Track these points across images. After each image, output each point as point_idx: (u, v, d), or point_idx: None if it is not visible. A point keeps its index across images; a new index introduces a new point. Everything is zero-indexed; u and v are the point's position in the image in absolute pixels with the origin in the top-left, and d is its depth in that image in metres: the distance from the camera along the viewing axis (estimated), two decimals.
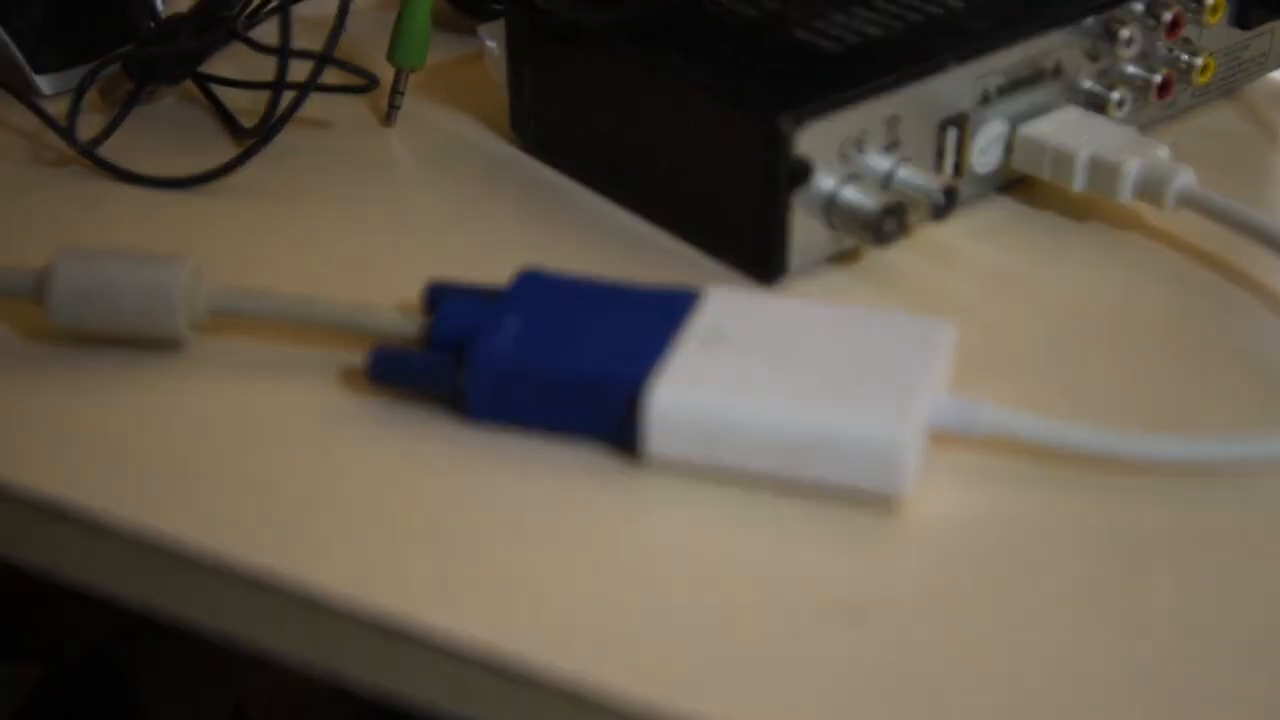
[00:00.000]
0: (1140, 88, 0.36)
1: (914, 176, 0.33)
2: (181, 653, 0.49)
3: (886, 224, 0.32)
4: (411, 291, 0.31)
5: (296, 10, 0.38)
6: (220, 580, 0.26)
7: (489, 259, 0.33)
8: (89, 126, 0.38)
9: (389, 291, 0.32)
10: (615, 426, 0.28)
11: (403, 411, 0.29)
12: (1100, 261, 0.34)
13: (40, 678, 0.49)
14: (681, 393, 0.27)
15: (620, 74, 0.34)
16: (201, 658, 0.46)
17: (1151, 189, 0.33)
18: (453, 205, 0.36)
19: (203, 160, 0.37)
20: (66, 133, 0.37)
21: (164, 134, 0.39)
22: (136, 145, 0.38)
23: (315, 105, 0.38)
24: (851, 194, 0.32)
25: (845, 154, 0.32)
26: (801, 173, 0.31)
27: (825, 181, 0.32)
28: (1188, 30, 0.37)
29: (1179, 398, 0.30)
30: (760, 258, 0.32)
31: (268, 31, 0.39)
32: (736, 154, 0.32)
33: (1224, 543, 0.26)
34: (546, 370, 0.28)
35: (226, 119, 0.39)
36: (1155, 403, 0.30)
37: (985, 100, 0.34)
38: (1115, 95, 0.36)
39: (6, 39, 0.40)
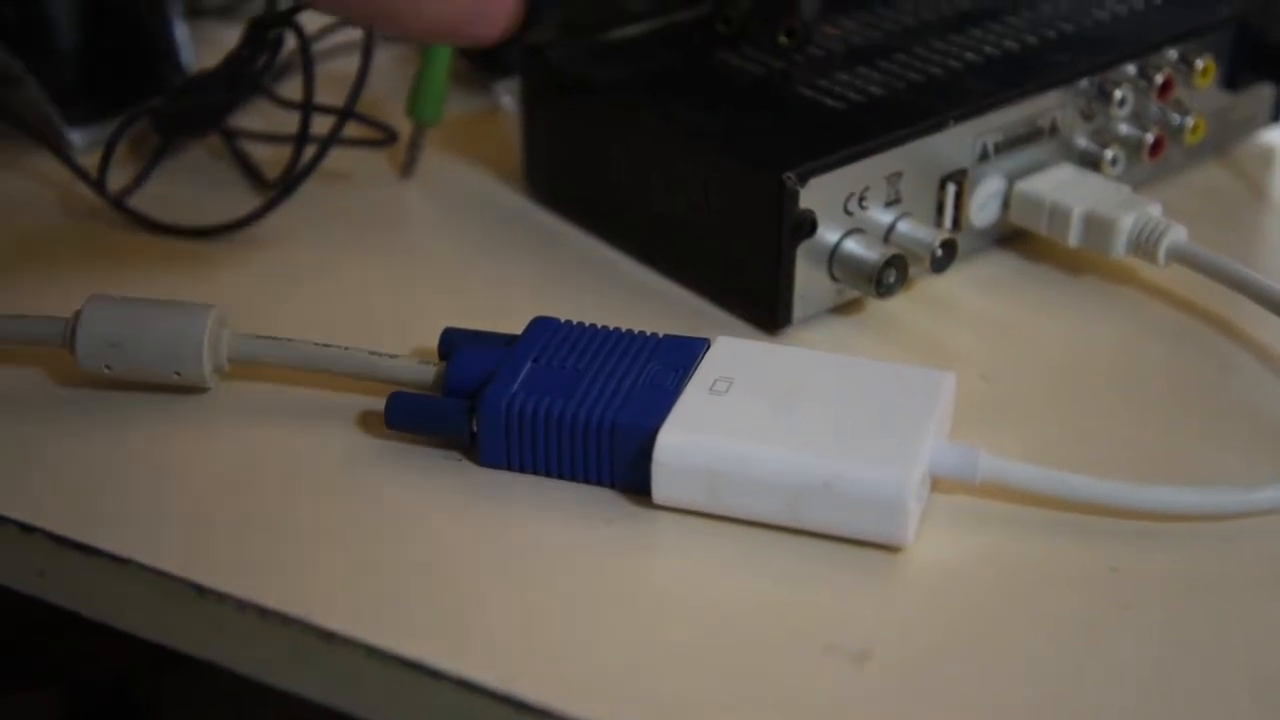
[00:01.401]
0: (1133, 147, 0.38)
1: (915, 230, 0.34)
2: (201, 685, 0.49)
3: (887, 276, 0.33)
4: (427, 337, 0.32)
5: (319, 66, 0.39)
6: (240, 617, 0.27)
7: (503, 307, 0.34)
8: (118, 178, 0.39)
9: (405, 337, 0.33)
10: (624, 472, 0.29)
11: (419, 456, 0.30)
12: (1095, 314, 0.35)
13: (62, 708, 0.49)
14: (687, 440, 0.28)
15: (631, 129, 0.36)
16: (221, 690, 0.46)
17: (1144, 245, 0.34)
18: (468, 255, 0.37)
19: (228, 211, 0.38)
20: (98, 185, 0.38)
21: (191, 185, 0.40)
22: (164, 196, 0.39)
23: (336, 158, 0.39)
24: (853, 247, 0.33)
25: (848, 208, 0.33)
26: (806, 226, 0.32)
27: (829, 235, 0.33)
28: (1179, 92, 0.38)
29: (1171, 446, 0.31)
30: (766, 308, 0.33)
31: (292, 87, 0.40)
32: (744, 207, 0.33)
33: (1214, 589, 0.27)
34: (555, 416, 0.29)
35: (251, 171, 0.40)
36: (1148, 451, 0.30)
37: (984, 157, 0.35)
38: (1109, 153, 0.37)
39: (41, 94, 0.41)
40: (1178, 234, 0.34)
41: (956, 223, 0.35)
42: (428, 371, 0.30)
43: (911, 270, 0.34)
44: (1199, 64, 0.38)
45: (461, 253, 0.37)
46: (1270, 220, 0.40)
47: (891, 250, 0.33)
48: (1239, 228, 0.39)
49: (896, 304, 0.35)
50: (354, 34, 0.43)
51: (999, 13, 0.39)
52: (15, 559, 0.29)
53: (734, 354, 0.30)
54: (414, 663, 0.25)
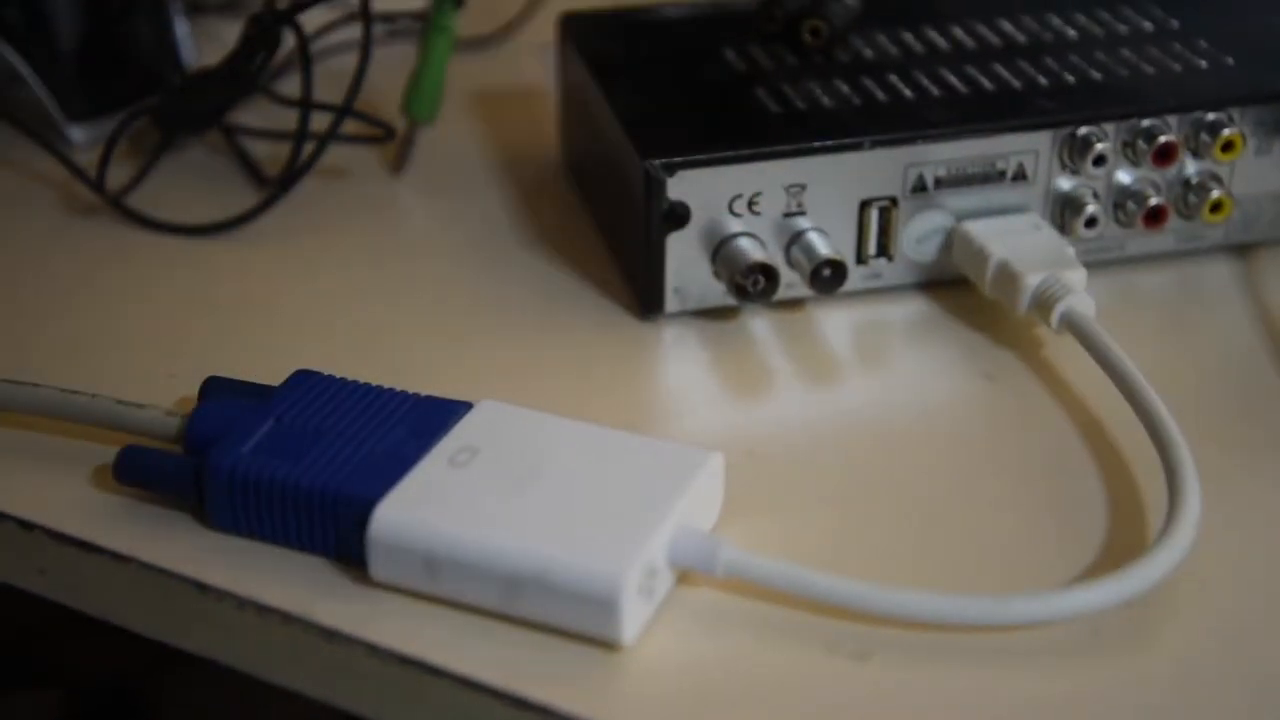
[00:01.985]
0: (1127, 210, 0.35)
1: (814, 245, 0.33)
2: (201, 685, 0.49)
3: (746, 281, 0.32)
4: (418, 344, 0.33)
5: (317, 63, 0.39)
6: (240, 614, 0.27)
7: (482, 309, 0.34)
8: (117, 176, 0.39)
9: (396, 342, 0.33)
10: (345, 544, 0.27)
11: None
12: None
13: (62, 708, 0.49)
14: (403, 517, 0.26)
15: (593, 107, 0.36)
16: (221, 690, 0.47)
17: (1044, 305, 0.32)
18: (454, 254, 0.37)
19: (228, 208, 0.38)
20: (96, 184, 0.38)
21: (190, 183, 0.40)
22: (163, 194, 0.39)
23: (335, 154, 0.39)
24: (733, 248, 0.33)
25: (735, 209, 0.33)
26: (677, 217, 0.32)
27: (717, 232, 0.33)
28: (1212, 164, 0.35)
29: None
30: (639, 293, 0.34)
31: (291, 85, 0.40)
32: (633, 192, 0.33)
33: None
34: (277, 481, 0.27)
35: (250, 168, 0.40)
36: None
37: (920, 189, 0.34)
38: (1090, 209, 0.34)
39: (42, 91, 0.41)
40: (1079, 302, 0.32)
41: (883, 250, 0.34)
42: (171, 424, 0.29)
43: (809, 288, 0.33)
44: (1225, 134, 0.34)
45: (449, 250, 0.37)
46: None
47: (758, 258, 0.32)
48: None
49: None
50: (353, 32, 0.43)
51: (1035, 51, 0.37)
52: (15, 556, 0.29)
53: (491, 421, 0.28)
54: (415, 660, 0.25)
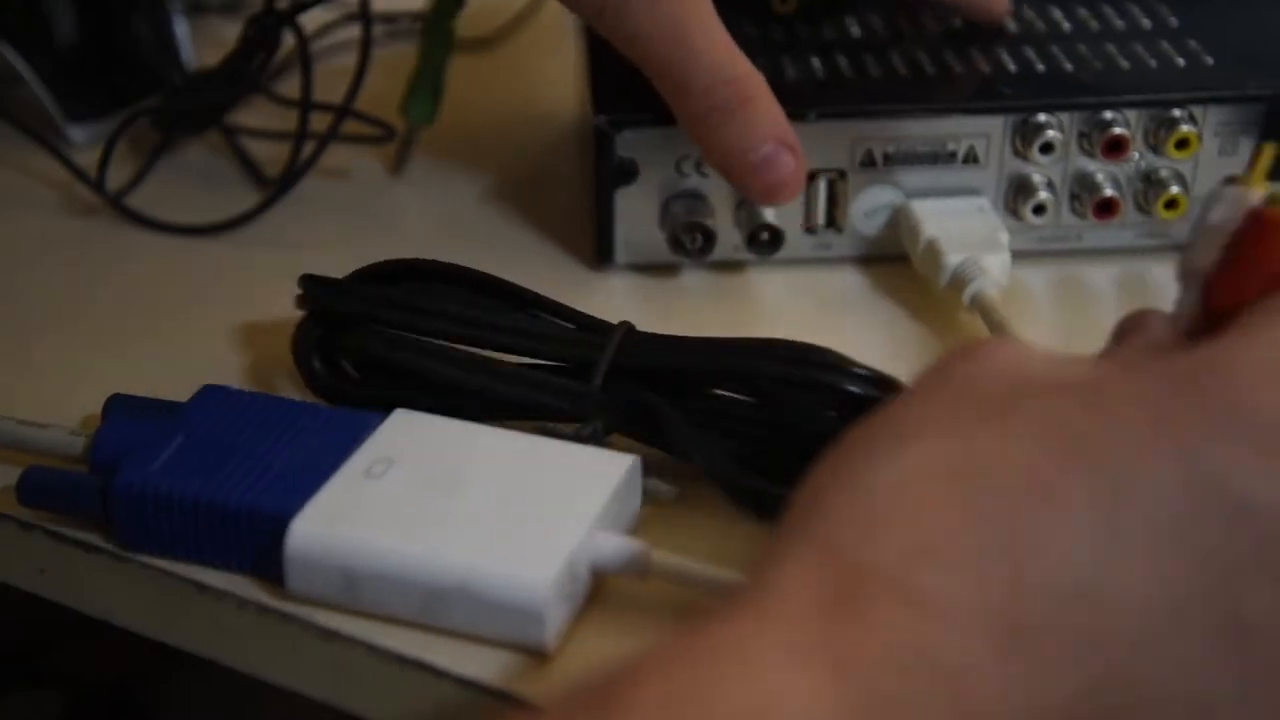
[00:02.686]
0: (1080, 200, 0.35)
1: (757, 210, 0.34)
2: (201, 685, 0.50)
3: (685, 238, 0.34)
4: None
5: (317, 64, 0.39)
6: (239, 614, 0.27)
7: None
8: (117, 176, 0.39)
9: None
10: (261, 560, 0.26)
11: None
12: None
13: (63, 708, 0.50)
14: (319, 532, 0.26)
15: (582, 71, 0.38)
16: (220, 690, 0.47)
17: (959, 284, 0.33)
18: (454, 253, 0.35)
19: (227, 208, 0.38)
20: (96, 184, 0.38)
21: (190, 183, 0.40)
22: (163, 194, 0.39)
23: (335, 154, 0.39)
24: (679, 206, 0.34)
25: (682, 170, 0.34)
26: (624, 172, 0.34)
27: (666, 190, 0.34)
28: (1176, 160, 0.35)
29: None
30: (593, 244, 0.35)
31: (291, 85, 0.40)
32: (589, 148, 0.35)
33: None
34: (190, 499, 0.26)
35: (250, 168, 0.40)
36: None
37: (869, 163, 0.35)
38: (1039, 196, 0.35)
39: (42, 91, 0.42)
40: (989, 284, 0.33)
41: (832, 221, 0.35)
42: (76, 443, 0.29)
43: (747, 250, 0.35)
44: (1181, 130, 0.35)
45: (445, 253, 0.36)
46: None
47: (696, 217, 0.34)
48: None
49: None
50: (353, 32, 0.44)
51: (1019, 40, 0.37)
52: (15, 556, 0.29)
53: (407, 431, 0.28)
54: (414, 661, 0.25)
